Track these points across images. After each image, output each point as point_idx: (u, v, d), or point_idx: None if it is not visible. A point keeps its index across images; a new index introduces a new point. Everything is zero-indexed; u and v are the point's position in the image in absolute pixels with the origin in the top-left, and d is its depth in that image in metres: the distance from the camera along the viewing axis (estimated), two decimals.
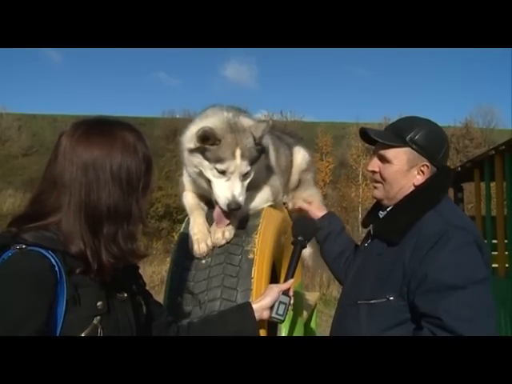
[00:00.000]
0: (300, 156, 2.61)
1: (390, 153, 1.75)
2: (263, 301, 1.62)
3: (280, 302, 1.63)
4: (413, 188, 1.75)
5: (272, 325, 1.85)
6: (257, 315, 1.58)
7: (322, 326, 6.27)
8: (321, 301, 8.52)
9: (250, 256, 1.89)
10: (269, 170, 2.20)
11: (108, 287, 1.23)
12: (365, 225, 1.96)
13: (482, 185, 10.14)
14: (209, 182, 1.93)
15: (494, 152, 9.09)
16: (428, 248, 1.59)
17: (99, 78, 72.53)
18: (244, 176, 1.92)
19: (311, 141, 22.71)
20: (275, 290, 1.64)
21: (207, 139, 1.85)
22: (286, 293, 1.65)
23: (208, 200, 2.13)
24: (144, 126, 27.91)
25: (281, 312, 1.63)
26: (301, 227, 1.78)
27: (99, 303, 1.19)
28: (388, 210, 1.81)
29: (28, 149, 28.81)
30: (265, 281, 1.93)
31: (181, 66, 69.76)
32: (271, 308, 1.62)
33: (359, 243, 2.13)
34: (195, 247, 1.90)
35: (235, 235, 1.94)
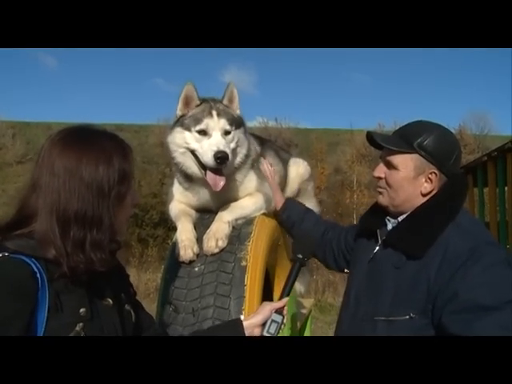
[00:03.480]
0: (302, 167, 2.64)
1: (397, 159, 1.67)
2: (254, 318, 1.58)
3: (272, 321, 1.57)
4: (420, 196, 1.67)
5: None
6: (247, 332, 1.55)
7: (317, 332, 6.27)
8: (316, 307, 8.51)
9: (243, 263, 1.91)
10: (262, 179, 2.22)
11: (92, 294, 1.23)
12: (369, 227, 1.84)
13: (475, 191, 10.22)
14: (196, 158, 1.96)
15: (486, 158, 9.18)
16: (459, 265, 1.50)
17: (95, 85, 72.31)
18: (226, 134, 1.96)
19: (306, 147, 22.77)
20: (267, 308, 1.59)
21: (188, 101, 2.00)
22: (279, 311, 1.59)
23: (198, 207, 2.14)
24: (138, 134, 27.91)
25: (272, 331, 1.57)
26: (301, 244, 1.71)
27: (82, 310, 1.19)
28: (400, 219, 1.72)
29: (22, 157, 28.63)
30: (258, 288, 1.94)
31: (179, 72, 69.29)
32: (263, 326, 1.58)
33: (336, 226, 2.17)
34: (181, 252, 1.91)
35: (228, 243, 1.95)
